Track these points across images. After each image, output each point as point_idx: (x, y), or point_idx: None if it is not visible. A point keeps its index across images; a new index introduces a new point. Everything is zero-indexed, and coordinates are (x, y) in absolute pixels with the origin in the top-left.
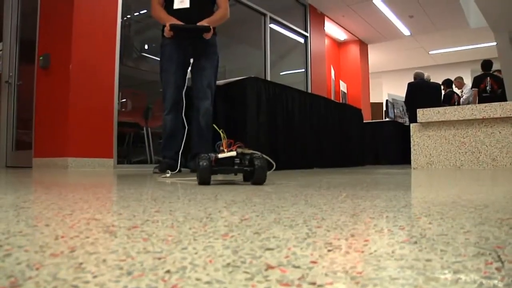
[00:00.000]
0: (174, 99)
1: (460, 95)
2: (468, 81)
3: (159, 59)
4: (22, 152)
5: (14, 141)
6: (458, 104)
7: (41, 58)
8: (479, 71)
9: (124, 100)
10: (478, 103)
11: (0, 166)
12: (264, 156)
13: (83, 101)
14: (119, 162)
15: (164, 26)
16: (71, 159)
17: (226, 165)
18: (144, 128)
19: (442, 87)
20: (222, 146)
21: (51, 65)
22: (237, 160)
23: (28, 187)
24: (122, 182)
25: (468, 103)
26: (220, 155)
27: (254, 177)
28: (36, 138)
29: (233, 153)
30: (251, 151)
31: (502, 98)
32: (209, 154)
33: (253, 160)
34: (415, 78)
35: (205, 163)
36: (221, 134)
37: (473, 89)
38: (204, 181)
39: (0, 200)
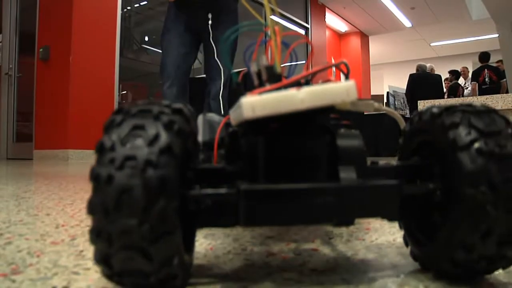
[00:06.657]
0: (177, 67)
1: (464, 86)
2: (471, 74)
3: (159, 50)
4: (22, 144)
5: (14, 133)
6: (462, 96)
7: (41, 50)
8: (480, 64)
9: (125, 92)
10: (479, 96)
11: (0, 158)
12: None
13: (83, 93)
14: None
15: None
16: (72, 151)
17: (298, 173)
18: None
19: (448, 77)
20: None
21: (51, 57)
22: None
23: (29, 178)
24: None
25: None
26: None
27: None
28: (36, 130)
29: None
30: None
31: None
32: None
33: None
34: (417, 70)
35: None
36: None
37: (472, 82)
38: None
39: (1, 190)
